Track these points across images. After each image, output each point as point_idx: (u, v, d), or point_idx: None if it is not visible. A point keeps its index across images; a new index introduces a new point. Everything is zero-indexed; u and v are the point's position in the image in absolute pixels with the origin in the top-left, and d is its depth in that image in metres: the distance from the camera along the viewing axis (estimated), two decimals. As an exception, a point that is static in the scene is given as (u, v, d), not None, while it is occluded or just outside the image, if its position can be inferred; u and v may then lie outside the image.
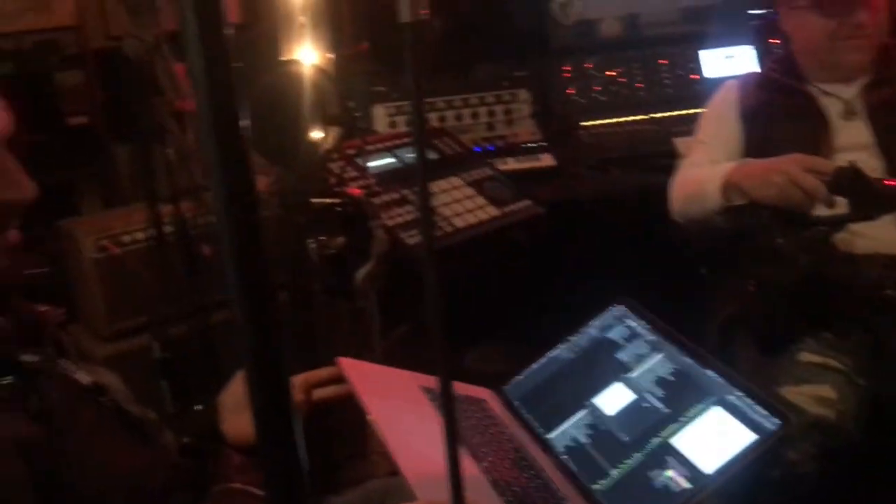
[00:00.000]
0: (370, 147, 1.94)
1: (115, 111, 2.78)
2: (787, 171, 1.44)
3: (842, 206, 1.42)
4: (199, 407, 1.28)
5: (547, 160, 2.25)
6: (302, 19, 2.34)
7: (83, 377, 0.92)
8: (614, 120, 2.38)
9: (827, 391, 1.36)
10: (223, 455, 1.08)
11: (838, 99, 1.72)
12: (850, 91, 1.73)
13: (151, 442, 0.97)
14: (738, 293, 1.49)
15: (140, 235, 2.09)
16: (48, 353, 0.90)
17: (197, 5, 0.45)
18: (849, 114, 1.70)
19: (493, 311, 2.08)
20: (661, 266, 1.94)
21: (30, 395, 0.81)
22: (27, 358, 0.85)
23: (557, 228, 2.03)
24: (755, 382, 1.25)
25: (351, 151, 1.87)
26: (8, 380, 0.81)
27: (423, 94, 0.56)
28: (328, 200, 1.65)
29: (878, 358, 1.47)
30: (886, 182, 1.35)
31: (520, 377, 1.30)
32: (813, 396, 1.36)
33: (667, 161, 1.94)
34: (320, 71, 1.61)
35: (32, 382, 0.82)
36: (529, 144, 2.32)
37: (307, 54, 2.34)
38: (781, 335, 1.43)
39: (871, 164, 1.63)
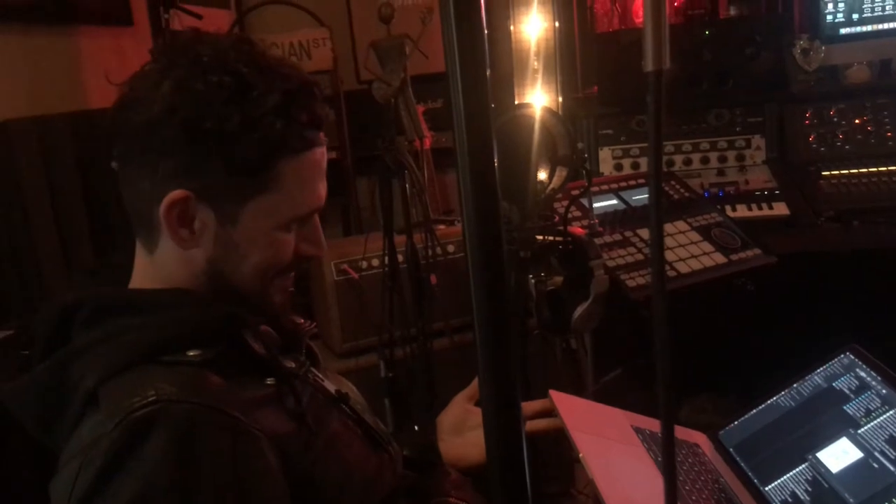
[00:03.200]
0: (595, 188, 1.97)
1: (361, 147, 3.03)
2: None
3: None
4: (416, 427, 1.37)
5: (780, 209, 2.16)
6: (535, 65, 2.44)
7: (330, 385, 1.03)
8: (857, 171, 2.23)
9: None
10: (441, 470, 1.15)
11: None
12: None
13: (382, 450, 1.06)
14: None
15: (375, 262, 2.27)
16: (303, 361, 1.02)
17: (463, 49, 0.52)
18: None
19: (713, 361, 2.02)
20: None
21: (288, 396, 0.92)
22: (287, 363, 0.97)
23: (789, 279, 1.94)
24: None
25: (576, 191, 1.91)
26: (272, 381, 0.92)
27: (661, 148, 0.59)
28: (551, 238, 1.69)
29: None
30: None
31: (736, 423, 1.27)
32: None
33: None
34: (552, 113, 1.67)
35: (290, 385, 0.93)
36: (762, 192, 2.24)
37: (539, 97, 2.43)
38: None
39: None
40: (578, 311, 1.71)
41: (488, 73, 0.54)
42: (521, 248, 1.72)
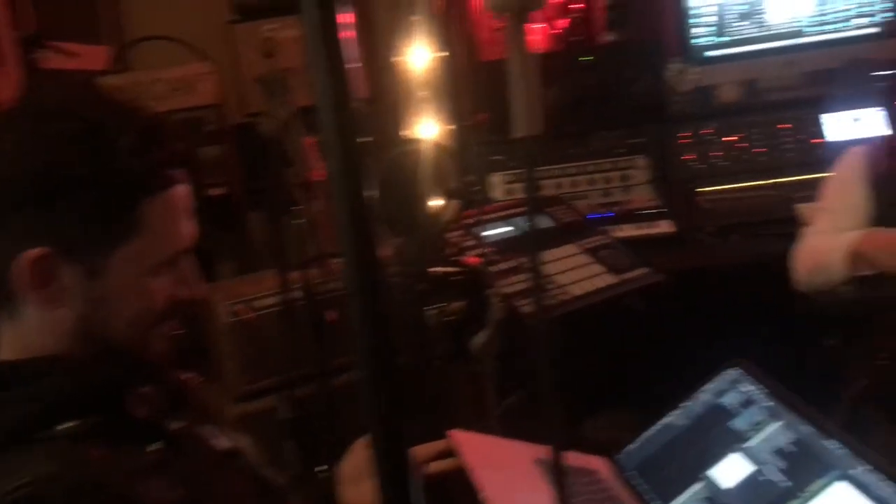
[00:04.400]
0: (488, 216, 1.99)
1: (251, 182, 2.98)
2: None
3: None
4: (323, 468, 1.34)
5: (665, 227, 2.24)
6: (423, 94, 2.46)
7: (222, 442, 0.99)
8: (734, 186, 2.34)
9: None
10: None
11: (975, 164, 1.65)
12: None
13: (281, 505, 1.03)
14: (870, 366, 1.43)
15: (270, 300, 2.22)
16: (191, 419, 0.98)
17: (327, 83, 0.51)
18: None
19: (611, 379, 2.07)
20: (781, 336, 1.87)
21: (175, 462, 0.88)
22: (173, 425, 0.92)
23: (676, 296, 2.01)
24: (888, 458, 1.19)
25: (469, 221, 1.93)
26: (157, 446, 0.88)
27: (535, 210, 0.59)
28: (446, 269, 1.70)
29: None
30: None
31: (633, 445, 1.29)
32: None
33: (789, 228, 1.90)
34: (439, 147, 1.68)
35: (177, 449, 0.89)
36: (647, 211, 2.32)
37: (429, 126, 2.45)
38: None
39: None
40: (477, 339, 1.73)
41: (357, 103, 0.54)
42: (417, 281, 1.72)
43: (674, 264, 2.07)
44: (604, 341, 2.00)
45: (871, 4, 2.45)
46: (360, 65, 2.66)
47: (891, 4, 2.43)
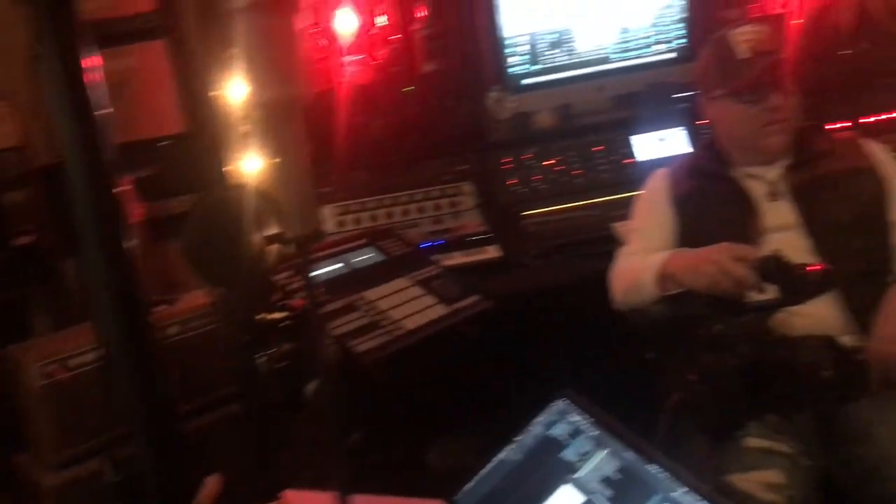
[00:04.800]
0: (316, 255, 1.95)
1: (61, 227, 2.77)
2: (717, 260, 1.49)
3: (774, 290, 1.47)
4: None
5: (493, 252, 2.29)
6: (245, 127, 2.39)
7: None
8: (556, 208, 2.43)
9: (775, 476, 1.38)
10: None
11: (763, 181, 1.80)
12: (774, 173, 1.80)
13: None
14: (682, 382, 1.51)
15: (89, 357, 2.07)
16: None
17: (73, 130, 0.47)
18: (773, 195, 1.77)
19: (450, 408, 2.08)
20: (611, 353, 1.96)
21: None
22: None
23: (507, 320, 2.05)
24: (704, 471, 1.26)
25: (296, 261, 1.88)
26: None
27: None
28: (273, 315, 1.65)
29: (823, 438, 1.50)
30: (810, 268, 1.40)
31: (470, 485, 1.29)
32: (762, 483, 1.37)
33: (608, 246, 1.99)
34: (258, 190, 1.63)
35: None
36: (476, 237, 2.36)
37: (253, 161, 2.38)
38: (726, 422, 1.45)
39: (798, 243, 1.69)
40: (311, 385, 1.68)
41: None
42: (242, 331, 1.66)
43: (503, 288, 2.13)
44: (441, 371, 2.01)
45: (668, 32, 2.63)
46: (176, 99, 2.55)
47: (684, 32, 2.62)
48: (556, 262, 2.23)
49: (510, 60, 2.58)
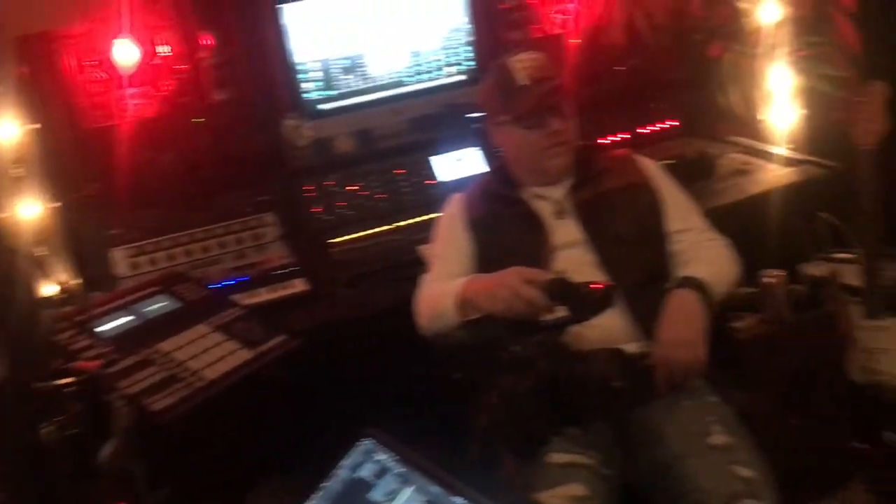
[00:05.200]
0: (102, 308, 1.83)
1: None
2: (509, 284, 1.54)
3: (565, 308, 1.53)
4: None
5: (300, 285, 2.24)
6: (17, 171, 2.19)
7: None
8: (362, 233, 2.42)
9: (579, 489, 1.44)
10: None
11: (549, 201, 1.88)
12: (559, 192, 1.89)
13: None
14: (486, 404, 1.55)
15: None
16: None
17: None
18: (560, 213, 1.86)
19: (264, 453, 2.01)
20: (425, 378, 1.97)
21: None
22: None
23: (317, 356, 2.01)
24: (514, 491, 1.28)
25: (80, 317, 1.75)
26: None
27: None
28: (56, 382, 1.52)
29: (620, 446, 1.58)
30: (592, 286, 1.48)
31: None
32: (566, 497, 1.43)
33: (416, 270, 2.00)
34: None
35: None
36: (282, 271, 2.30)
37: (28, 207, 2.18)
38: (528, 441, 1.49)
39: (585, 258, 1.78)
40: (105, 451, 1.57)
41: None
42: (23, 402, 1.52)
43: (313, 322, 2.09)
44: (250, 417, 1.94)
45: (457, 55, 2.70)
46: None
47: (472, 54, 2.70)
48: (365, 290, 2.22)
49: (304, 87, 2.54)
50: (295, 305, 2.17)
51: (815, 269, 2.41)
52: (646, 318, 1.69)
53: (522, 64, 1.84)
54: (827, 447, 2.14)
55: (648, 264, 1.78)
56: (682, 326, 1.62)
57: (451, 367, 1.85)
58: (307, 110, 2.56)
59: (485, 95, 1.93)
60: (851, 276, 2.28)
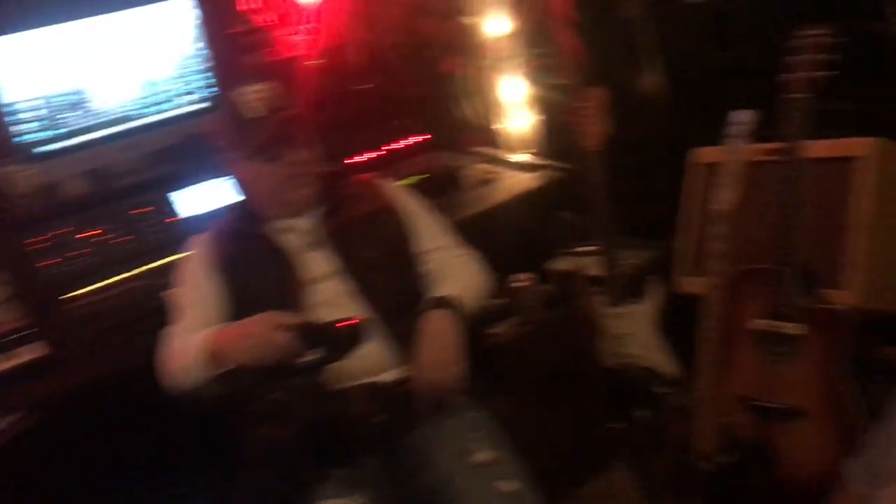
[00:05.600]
0: None
1: None
2: (258, 332, 1.48)
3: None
4: None
5: (37, 350, 2.02)
6: None
7: None
8: (103, 283, 2.23)
9: (352, 532, 1.42)
10: None
11: (298, 233, 1.83)
12: (307, 223, 1.84)
13: None
14: (248, 458, 1.48)
15: None
16: None
17: None
18: (312, 245, 1.82)
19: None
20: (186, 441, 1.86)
21: None
22: None
23: (63, 428, 1.83)
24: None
25: None
26: None
27: None
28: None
29: (391, 478, 1.57)
30: (340, 324, 1.46)
31: None
32: (341, 541, 1.40)
33: (163, 319, 1.87)
34: None
35: None
36: (14, 336, 2.06)
37: None
38: (296, 491, 1.45)
39: (341, 288, 1.76)
40: None
41: None
42: None
43: (56, 390, 1.90)
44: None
45: (195, 82, 2.57)
46: None
47: (213, 80, 2.58)
48: (112, 347, 2.05)
49: (18, 129, 2.29)
50: (32, 374, 1.96)
51: (562, 265, 2.57)
52: (405, 343, 1.69)
53: (252, 95, 1.77)
54: (588, 433, 2.28)
55: (403, 288, 1.79)
56: (437, 347, 1.64)
57: (208, 425, 1.76)
58: (25, 155, 2.31)
59: (217, 129, 1.85)
60: (594, 268, 2.44)
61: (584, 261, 2.52)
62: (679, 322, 2.17)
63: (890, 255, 2.02)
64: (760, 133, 1.95)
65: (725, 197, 1.83)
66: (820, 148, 1.96)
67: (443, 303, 1.71)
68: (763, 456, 1.82)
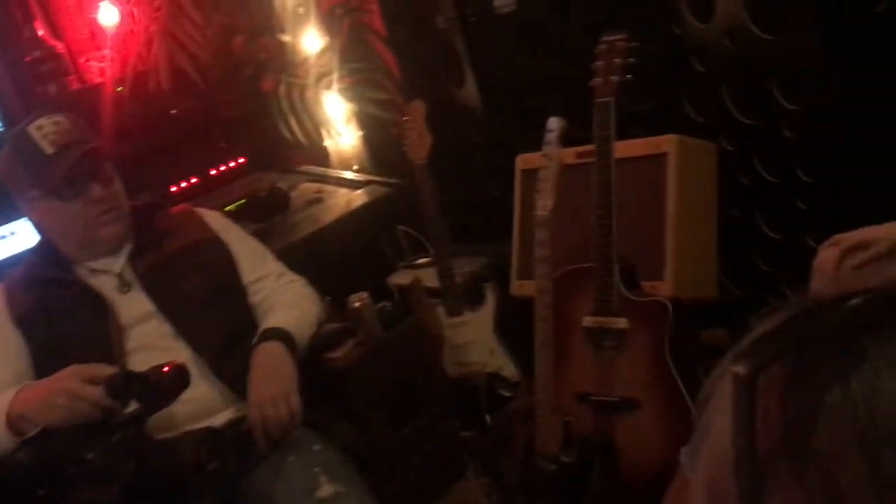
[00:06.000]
0: None
1: None
2: (66, 388, 1.36)
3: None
4: None
5: None
6: None
7: None
8: None
9: None
10: None
11: (110, 275, 1.70)
12: (119, 263, 1.72)
13: None
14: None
15: None
16: None
17: None
18: (124, 286, 1.70)
19: None
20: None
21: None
22: None
23: None
24: None
25: None
26: None
27: None
28: None
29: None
30: (159, 371, 1.36)
31: None
32: None
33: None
34: None
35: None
36: None
37: None
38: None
39: (162, 330, 1.65)
40: None
41: None
42: None
43: None
44: None
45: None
46: None
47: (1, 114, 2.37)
48: None
49: None
50: None
51: (400, 279, 2.56)
52: (237, 380, 1.61)
53: (45, 130, 1.63)
54: (441, 445, 2.27)
55: (230, 323, 1.71)
56: (271, 381, 1.57)
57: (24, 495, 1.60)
58: None
59: (6, 170, 1.68)
60: (431, 279, 2.44)
61: (422, 273, 2.52)
62: (519, 325, 2.20)
63: (698, 245, 2.14)
64: (577, 136, 2.02)
65: (544, 203, 1.87)
66: (628, 147, 2.05)
67: (274, 334, 1.64)
68: (604, 450, 1.87)
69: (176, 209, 1.90)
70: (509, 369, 2.35)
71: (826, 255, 1.68)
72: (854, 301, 0.39)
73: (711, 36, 2.11)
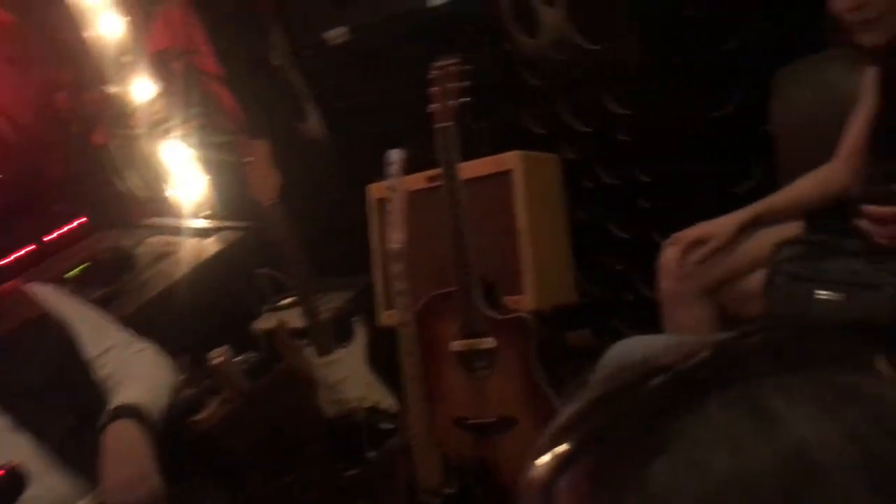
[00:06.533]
0: None
1: None
2: None
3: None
4: None
5: None
6: None
7: None
8: None
9: None
10: None
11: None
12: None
13: None
14: None
15: None
16: None
17: None
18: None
19: None
20: None
21: None
22: None
23: None
24: None
25: None
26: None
27: None
28: None
29: None
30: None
31: None
32: None
33: None
34: None
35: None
36: None
37: None
38: None
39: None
40: None
41: None
42: None
43: None
44: None
45: None
46: None
47: None
48: None
49: None
50: None
51: (265, 323, 2.48)
52: (90, 465, 1.50)
53: None
54: (324, 489, 2.21)
55: (77, 405, 1.59)
56: (124, 464, 1.46)
57: None
58: None
59: None
60: (298, 319, 2.37)
61: (287, 314, 2.45)
62: (392, 354, 2.18)
63: (553, 254, 2.18)
64: (428, 158, 2.01)
65: (396, 236, 1.85)
66: (475, 167, 2.06)
67: (123, 412, 1.54)
68: (483, 474, 1.87)
69: (1, 291, 1.76)
70: (387, 401, 2.31)
71: (669, 253, 1.74)
72: (654, 381, 0.37)
73: (540, 50, 2.16)
